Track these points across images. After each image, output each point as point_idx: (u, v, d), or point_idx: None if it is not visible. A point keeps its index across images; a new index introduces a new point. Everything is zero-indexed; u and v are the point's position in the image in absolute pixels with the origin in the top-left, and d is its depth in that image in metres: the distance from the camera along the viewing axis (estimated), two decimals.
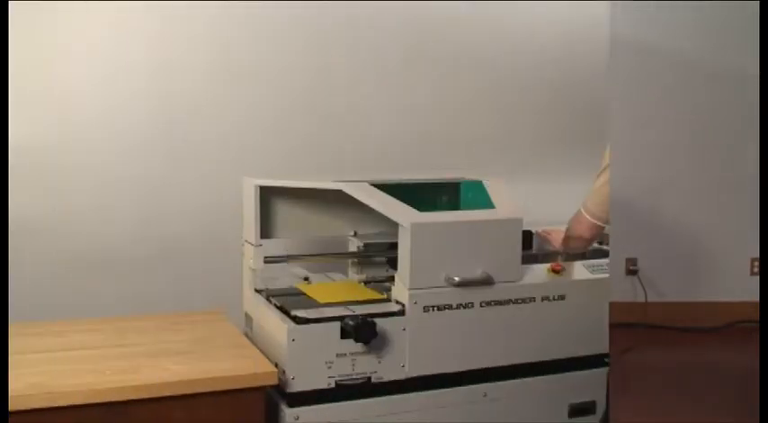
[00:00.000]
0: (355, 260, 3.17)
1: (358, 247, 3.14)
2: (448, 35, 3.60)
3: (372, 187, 2.79)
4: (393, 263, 2.85)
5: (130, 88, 3.18)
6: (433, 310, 2.74)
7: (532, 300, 2.86)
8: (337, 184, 2.80)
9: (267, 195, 3.00)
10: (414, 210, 2.72)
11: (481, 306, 2.79)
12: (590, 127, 3.80)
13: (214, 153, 3.35)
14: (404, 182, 2.92)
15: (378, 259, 3.11)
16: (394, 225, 2.76)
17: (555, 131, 3.80)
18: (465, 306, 2.77)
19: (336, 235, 3.16)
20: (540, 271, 2.92)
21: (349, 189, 2.77)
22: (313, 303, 2.81)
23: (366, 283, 3.08)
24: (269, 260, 2.97)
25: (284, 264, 3.02)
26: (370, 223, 3.15)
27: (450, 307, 2.75)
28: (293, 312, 2.70)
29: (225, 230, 3.28)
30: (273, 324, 2.74)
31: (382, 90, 3.53)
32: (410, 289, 2.69)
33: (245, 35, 3.30)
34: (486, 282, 2.76)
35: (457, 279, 2.70)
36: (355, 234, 3.17)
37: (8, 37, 2.72)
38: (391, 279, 2.84)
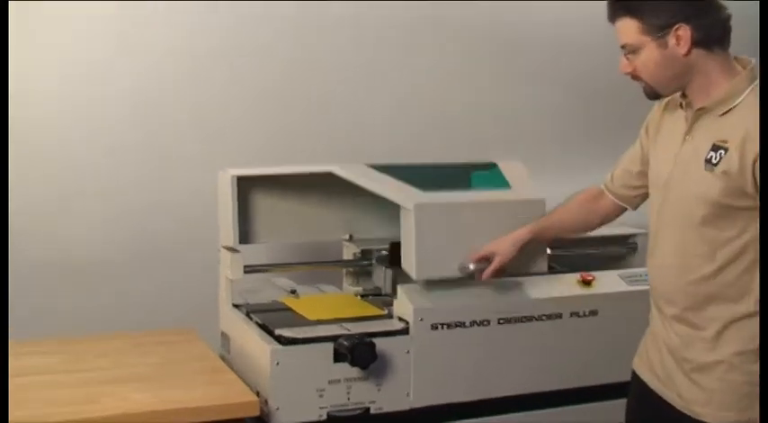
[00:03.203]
0: (351, 269, 3.20)
1: (354, 255, 3.15)
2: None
3: (369, 168, 2.81)
4: (396, 275, 2.89)
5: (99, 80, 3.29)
6: (443, 328, 2.76)
7: (559, 316, 2.88)
8: (328, 167, 2.80)
9: (247, 193, 3.00)
10: (417, 190, 2.72)
11: (499, 323, 2.82)
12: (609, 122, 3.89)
13: (188, 146, 3.41)
14: (405, 164, 2.91)
15: (377, 268, 3.11)
16: (396, 225, 2.78)
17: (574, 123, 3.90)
18: (480, 323, 2.80)
19: (328, 240, 3.17)
20: (567, 282, 2.94)
21: (342, 172, 2.77)
22: (301, 321, 2.83)
23: (363, 296, 3.10)
24: (249, 269, 2.96)
25: (267, 273, 3.07)
26: (367, 224, 3.16)
27: (462, 325, 2.78)
28: (278, 331, 2.70)
29: (199, 234, 3.31)
30: (254, 345, 2.74)
31: (378, 75, 3.62)
32: (415, 305, 2.69)
33: (216, 20, 3.41)
34: (510, 272, 2.74)
35: (472, 267, 2.69)
36: (351, 238, 3.18)
37: (8, 37, 2.80)
38: (393, 292, 2.87)
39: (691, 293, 2.34)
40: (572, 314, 2.90)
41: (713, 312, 2.32)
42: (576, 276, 2.98)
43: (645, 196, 2.58)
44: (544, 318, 2.87)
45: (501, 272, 2.73)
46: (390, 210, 2.90)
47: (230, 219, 2.92)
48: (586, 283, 2.96)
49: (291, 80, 3.49)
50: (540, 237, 2.77)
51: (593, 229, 2.79)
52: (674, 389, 2.40)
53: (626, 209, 2.68)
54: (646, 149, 2.55)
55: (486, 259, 2.73)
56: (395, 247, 2.91)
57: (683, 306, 2.36)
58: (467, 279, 2.79)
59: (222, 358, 2.94)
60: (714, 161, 2.25)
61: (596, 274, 2.98)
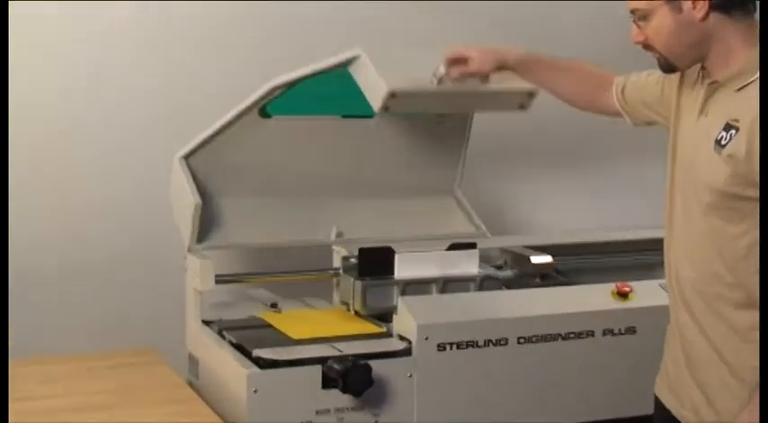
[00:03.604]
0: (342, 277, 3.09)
1: (345, 259, 3.04)
2: None
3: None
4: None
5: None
6: (451, 348, 2.69)
7: (590, 334, 2.80)
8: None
9: (213, 186, 3.02)
10: None
11: (519, 343, 2.74)
12: None
13: (147, 134, 3.36)
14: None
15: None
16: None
17: None
18: (496, 343, 2.72)
19: (313, 239, 3.14)
20: (600, 293, 2.87)
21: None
22: (284, 340, 2.79)
23: (356, 312, 2.99)
24: (221, 279, 2.93)
25: (243, 284, 3.06)
26: (359, 219, 3.16)
27: (474, 344, 2.70)
28: (256, 352, 2.64)
29: (163, 236, 3.26)
30: (228, 368, 2.69)
31: None
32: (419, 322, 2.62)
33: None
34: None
35: (442, 69, 2.69)
36: (339, 236, 3.15)
37: (8, 37, 2.79)
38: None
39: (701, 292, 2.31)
40: (606, 332, 2.82)
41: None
42: (611, 287, 2.89)
43: (649, 122, 2.58)
44: (572, 336, 2.79)
45: (473, 75, 2.74)
46: (385, 204, 3.02)
47: (190, 213, 2.92)
48: (623, 294, 2.86)
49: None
50: (523, 68, 2.73)
51: (577, 106, 2.78)
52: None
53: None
54: (662, 101, 2.49)
55: (462, 63, 2.73)
56: (366, 255, 2.92)
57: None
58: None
59: (189, 384, 2.88)
60: (723, 142, 2.20)
61: (634, 284, 2.88)
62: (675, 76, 2.42)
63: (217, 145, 3.01)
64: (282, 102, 2.98)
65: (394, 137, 3.16)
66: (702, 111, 2.28)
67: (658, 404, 2.47)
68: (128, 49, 3.34)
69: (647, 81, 2.56)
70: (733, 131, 2.19)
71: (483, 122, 3.30)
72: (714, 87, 2.27)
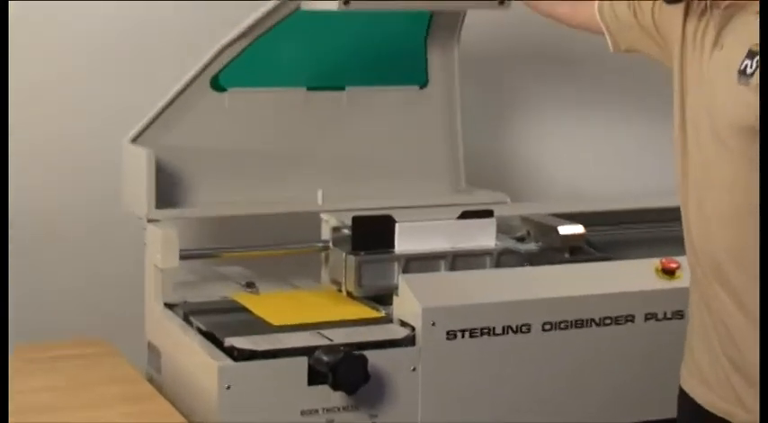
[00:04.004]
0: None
1: (335, 230, 2.92)
2: None
3: None
4: (362, 265, 2.75)
5: None
6: (463, 336, 2.54)
7: (630, 319, 2.65)
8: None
9: (170, 167, 2.94)
10: None
11: (544, 330, 2.59)
12: None
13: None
14: None
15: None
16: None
17: None
18: (517, 330, 2.57)
19: (297, 204, 3.03)
20: (642, 270, 2.74)
21: None
22: (261, 326, 2.68)
23: (349, 293, 2.88)
24: (188, 254, 2.82)
25: (213, 260, 3.01)
26: (348, 178, 3.07)
27: (490, 331, 2.56)
28: (228, 341, 2.52)
29: (112, 206, 3.14)
30: (195, 360, 2.59)
31: None
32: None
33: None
34: None
35: None
36: (324, 203, 3.03)
37: (8, 37, 2.77)
38: (359, 287, 2.77)
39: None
40: (648, 316, 2.66)
41: None
42: (655, 263, 2.73)
43: (632, 49, 2.55)
44: (609, 322, 2.64)
45: None
46: (385, 167, 3.00)
47: (144, 173, 2.81)
48: (669, 272, 2.71)
49: None
50: None
51: (554, 17, 2.81)
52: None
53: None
54: (658, 31, 2.43)
55: None
56: (361, 224, 2.79)
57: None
58: (494, 262, 2.78)
59: (149, 380, 2.78)
60: (749, 71, 2.09)
61: (681, 259, 2.66)
62: (679, 9, 2.34)
63: (166, 123, 2.94)
64: (237, 72, 2.95)
65: (369, 109, 3.12)
66: (717, 43, 2.20)
67: (686, 399, 2.36)
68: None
69: (642, 4, 2.51)
70: (758, 57, 2.11)
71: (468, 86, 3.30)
72: (731, 11, 2.19)
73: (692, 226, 2.29)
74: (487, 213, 2.85)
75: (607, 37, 2.60)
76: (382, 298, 2.76)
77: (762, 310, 2.11)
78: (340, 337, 2.53)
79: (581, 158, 3.70)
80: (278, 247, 3.01)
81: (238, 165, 3.07)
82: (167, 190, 2.94)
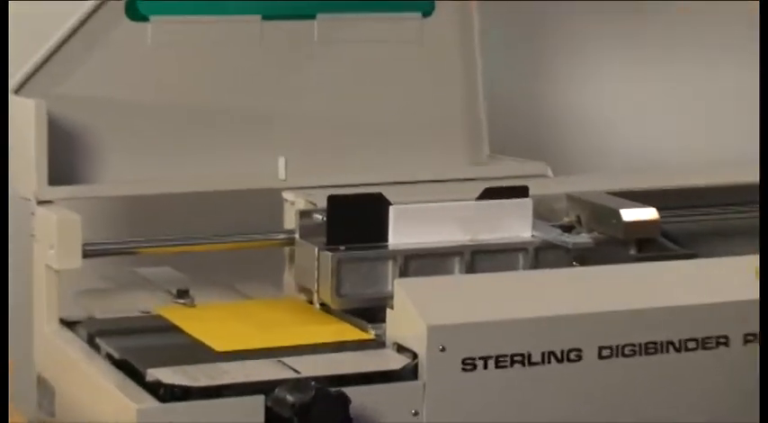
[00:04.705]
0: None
1: (304, 215, 2.51)
2: None
3: None
4: (340, 264, 2.37)
5: None
6: (485, 365, 2.12)
7: (723, 342, 2.21)
8: None
9: (71, 122, 2.64)
10: None
11: (601, 358, 2.16)
12: None
13: None
14: None
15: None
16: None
17: None
18: (561, 357, 2.15)
19: (249, 176, 2.68)
20: (734, 271, 2.34)
21: None
22: (199, 352, 2.28)
23: (323, 305, 2.44)
24: (93, 250, 2.44)
25: (130, 257, 2.64)
26: (320, 144, 2.74)
27: (523, 359, 2.13)
28: (152, 374, 2.14)
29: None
30: (105, 401, 2.24)
31: None
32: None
33: None
34: None
35: None
36: (288, 178, 2.66)
37: (8, 37, 2.65)
38: (337, 294, 2.37)
39: None
40: (748, 338, 2.22)
41: None
42: (755, 261, 2.28)
43: None
44: (693, 346, 2.20)
45: None
46: (374, 128, 2.70)
47: (30, 145, 2.50)
48: None
49: None
50: None
51: None
52: None
53: None
54: None
55: None
56: (340, 206, 2.42)
57: None
58: (531, 262, 2.40)
59: None
60: None
61: None
62: None
63: (65, 65, 2.62)
64: None
65: (351, 47, 2.77)
66: None
67: None
68: None
69: None
70: None
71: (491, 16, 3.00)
72: None
73: None
74: (520, 191, 2.41)
75: None
76: (371, 312, 2.32)
77: (762, 309, 2.04)
78: (310, 367, 2.13)
79: (647, 116, 3.38)
80: (222, 239, 2.59)
81: (166, 125, 2.69)
82: (66, 160, 2.59)
